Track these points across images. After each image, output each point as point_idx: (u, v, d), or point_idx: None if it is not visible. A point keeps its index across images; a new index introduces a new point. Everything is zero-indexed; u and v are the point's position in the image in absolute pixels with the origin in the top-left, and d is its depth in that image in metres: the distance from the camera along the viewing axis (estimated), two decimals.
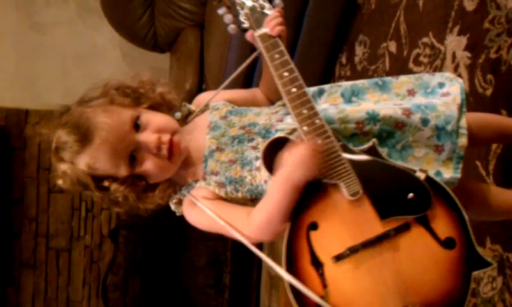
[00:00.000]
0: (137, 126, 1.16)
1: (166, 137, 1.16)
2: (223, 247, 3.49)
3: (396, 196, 1.03)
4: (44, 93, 3.68)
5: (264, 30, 1.17)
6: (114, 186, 1.17)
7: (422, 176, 1.03)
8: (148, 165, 1.16)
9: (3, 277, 3.62)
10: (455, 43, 1.84)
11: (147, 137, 1.15)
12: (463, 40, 1.79)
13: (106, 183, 1.18)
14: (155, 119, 1.18)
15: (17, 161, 3.64)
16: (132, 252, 3.55)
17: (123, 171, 1.16)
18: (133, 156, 1.16)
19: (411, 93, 1.22)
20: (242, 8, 1.22)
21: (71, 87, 3.49)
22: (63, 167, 1.17)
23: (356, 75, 2.58)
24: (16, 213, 3.66)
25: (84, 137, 1.13)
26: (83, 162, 1.15)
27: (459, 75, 1.77)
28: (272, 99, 1.30)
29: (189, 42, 3.28)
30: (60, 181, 1.20)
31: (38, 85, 3.72)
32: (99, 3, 3.46)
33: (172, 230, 3.52)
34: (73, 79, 3.62)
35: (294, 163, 1.01)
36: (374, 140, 1.07)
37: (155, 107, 1.23)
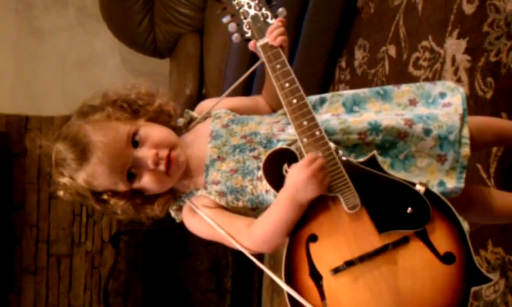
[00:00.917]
0: (136, 141, 1.16)
1: (163, 153, 1.15)
2: (224, 251, 3.48)
3: (395, 210, 1.03)
4: (44, 98, 3.69)
5: (266, 40, 1.17)
6: (113, 200, 1.19)
7: (421, 189, 1.03)
8: (146, 180, 1.16)
9: (4, 283, 3.62)
10: (454, 46, 1.84)
11: (144, 153, 1.15)
12: (463, 43, 1.80)
13: (105, 197, 1.19)
14: (153, 134, 1.17)
15: (18, 167, 3.64)
16: (134, 258, 3.54)
17: (121, 187, 1.17)
18: (131, 172, 1.16)
19: (413, 102, 1.22)
20: (246, 17, 1.21)
21: (71, 93, 3.51)
22: (63, 180, 1.18)
23: (355, 79, 2.58)
24: (17, 219, 3.66)
25: (81, 155, 1.14)
26: (81, 179, 1.16)
27: (459, 79, 1.77)
28: (275, 107, 1.29)
29: (188, 47, 3.28)
30: (61, 193, 1.21)
31: (37, 91, 3.72)
32: (99, 9, 3.46)
33: (173, 235, 3.52)
34: (73, 85, 3.62)
35: (301, 182, 1.01)
36: (374, 151, 1.07)
37: (154, 119, 1.22)
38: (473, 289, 1.01)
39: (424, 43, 2.03)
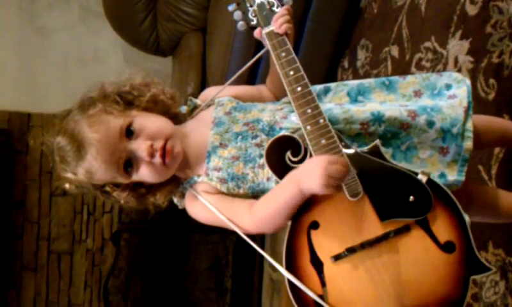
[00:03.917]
0: (131, 132, 1.15)
1: (159, 144, 1.14)
2: (224, 250, 3.49)
3: (397, 198, 1.03)
4: (46, 96, 3.69)
5: (271, 27, 1.18)
6: (115, 193, 1.20)
7: (423, 178, 1.03)
8: (144, 172, 1.16)
9: (4, 280, 3.62)
10: (457, 47, 1.84)
11: (139, 145, 1.14)
12: (465, 44, 1.79)
13: (108, 189, 1.20)
14: (148, 125, 1.16)
15: (19, 164, 3.64)
16: (134, 256, 3.55)
17: (121, 180, 1.18)
18: (129, 162, 1.15)
19: (418, 93, 1.22)
20: (251, 5, 1.22)
21: (73, 91, 3.47)
22: (67, 175, 1.18)
23: (358, 79, 2.57)
24: (17, 216, 3.66)
25: (78, 151, 1.14)
26: (81, 173, 1.16)
27: None
28: (279, 96, 1.29)
29: (191, 46, 3.28)
30: (67, 186, 1.21)
31: (40, 88, 3.72)
32: (102, 7, 3.46)
33: (174, 233, 3.52)
34: (76, 83, 3.61)
35: (313, 173, 1.00)
36: (377, 141, 1.07)
37: (149, 108, 1.21)
38: (472, 278, 1.01)
39: (427, 43, 2.03)
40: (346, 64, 2.71)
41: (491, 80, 1.65)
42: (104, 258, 3.73)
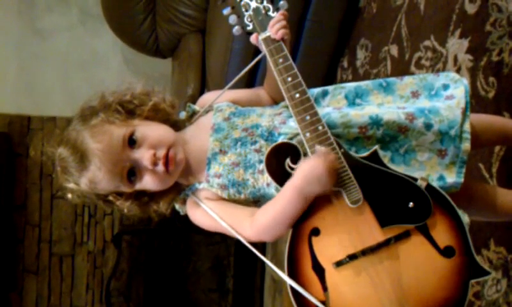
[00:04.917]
0: (133, 142, 1.15)
1: (161, 152, 1.14)
2: (226, 251, 3.49)
3: (397, 205, 1.04)
4: (46, 99, 3.70)
5: (268, 33, 1.17)
6: (119, 202, 1.19)
7: (423, 184, 1.04)
8: (147, 180, 1.16)
9: (6, 282, 3.62)
10: (457, 46, 1.84)
11: (142, 154, 1.14)
12: (465, 43, 1.80)
13: (111, 198, 1.19)
14: (150, 134, 1.16)
15: (20, 167, 3.64)
16: (135, 258, 3.55)
17: (124, 189, 1.18)
18: (132, 171, 1.16)
19: (415, 94, 1.22)
20: (247, 10, 1.22)
21: (73, 94, 3.51)
22: (69, 185, 1.19)
23: (357, 79, 2.57)
24: (19, 219, 3.67)
25: (81, 162, 1.14)
26: (84, 184, 1.16)
27: None
28: (277, 99, 1.29)
29: (190, 47, 3.28)
30: (69, 196, 1.22)
31: (40, 91, 3.73)
32: (101, 9, 3.46)
33: (175, 235, 3.52)
34: (75, 85, 3.63)
35: (310, 176, 1.02)
36: (376, 146, 1.08)
37: (150, 117, 1.21)
38: (472, 281, 1.02)
39: (426, 42, 2.03)
40: (346, 63, 2.71)
41: (491, 79, 1.65)
42: (105, 260, 3.74)
